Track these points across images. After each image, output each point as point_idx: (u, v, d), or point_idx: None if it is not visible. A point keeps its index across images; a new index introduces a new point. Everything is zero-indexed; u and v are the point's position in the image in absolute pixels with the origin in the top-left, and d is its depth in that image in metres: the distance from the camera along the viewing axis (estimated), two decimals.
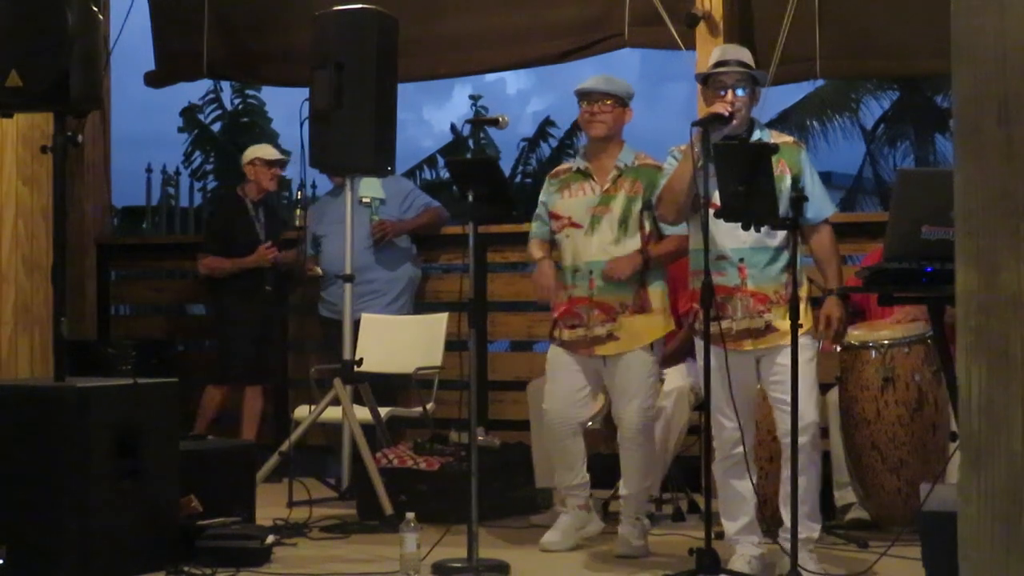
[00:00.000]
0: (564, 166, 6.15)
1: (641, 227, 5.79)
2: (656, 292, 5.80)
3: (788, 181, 5.12)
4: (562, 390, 5.90)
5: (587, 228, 5.81)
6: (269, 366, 8.25)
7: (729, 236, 5.14)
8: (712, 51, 5.57)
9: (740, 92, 5.19)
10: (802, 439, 4.97)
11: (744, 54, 5.37)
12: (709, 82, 5.26)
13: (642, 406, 5.78)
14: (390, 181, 8.05)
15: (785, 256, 5.14)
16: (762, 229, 5.04)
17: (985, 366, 2.24)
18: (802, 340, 5.01)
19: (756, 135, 5.23)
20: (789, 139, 5.43)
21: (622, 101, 5.87)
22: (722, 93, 5.18)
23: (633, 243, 5.77)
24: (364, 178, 7.67)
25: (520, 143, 21.67)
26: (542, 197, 6.02)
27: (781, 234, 5.08)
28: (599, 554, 5.83)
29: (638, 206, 5.79)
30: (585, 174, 5.91)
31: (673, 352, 6.60)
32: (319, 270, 8.03)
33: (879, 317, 6.32)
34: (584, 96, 5.87)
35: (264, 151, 8.37)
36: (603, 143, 5.88)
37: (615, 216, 5.79)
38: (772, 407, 5.29)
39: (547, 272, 5.89)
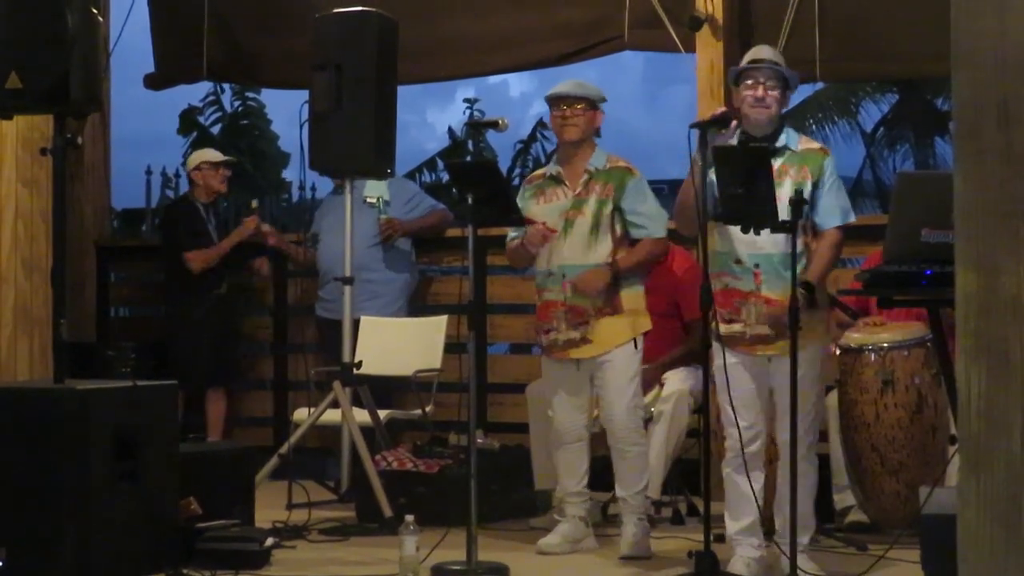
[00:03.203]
0: (539, 172, 6.20)
1: (612, 229, 5.81)
2: (629, 295, 5.82)
3: (808, 187, 5.12)
4: (567, 398, 5.92)
5: (561, 232, 5.83)
6: (228, 368, 8.29)
7: (745, 241, 5.13)
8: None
9: (770, 89, 5.20)
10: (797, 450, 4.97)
11: (777, 56, 5.37)
12: (741, 77, 5.26)
13: (629, 407, 5.80)
14: (395, 183, 8.06)
15: (801, 262, 5.13)
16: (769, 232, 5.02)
17: (985, 369, 2.24)
18: (812, 349, 5.04)
19: (783, 139, 5.23)
20: (816, 145, 5.41)
21: (593, 104, 5.89)
22: (753, 89, 5.17)
23: (605, 246, 5.80)
24: (373, 179, 7.68)
25: (516, 145, 21.68)
26: (519, 203, 6.02)
27: (798, 240, 5.06)
28: (598, 556, 5.83)
29: (609, 208, 5.81)
30: (557, 179, 5.93)
31: (680, 356, 6.62)
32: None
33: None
34: (556, 101, 5.89)
35: (209, 155, 8.48)
36: (575, 147, 5.90)
37: (587, 219, 5.81)
38: (775, 418, 5.29)
39: (532, 229, 5.84)
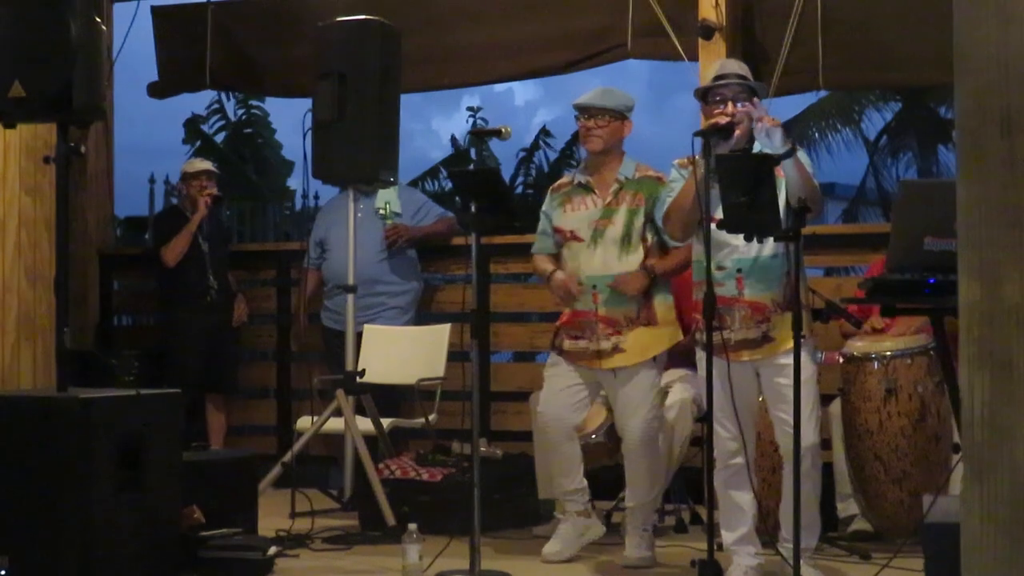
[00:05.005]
0: (565, 179, 6.15)
1: (644, 240, 5.79)
2: (662, 305, 5.81)
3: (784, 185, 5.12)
4: (556, 394, 5.91)
5: (589, 241, 5.82)
6: (224, 375, 8.30)
7: (726, 247, 5.14)
8: (711, 66, 5.57)
9: (739, 105, 5.19)
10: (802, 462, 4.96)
11: (742, 67, 5.37)
12: (708, 97, 5.27)
13: (647, 417, 5.79)
14: (404, 193, 8.08)
15: (781, 263, 5.14)
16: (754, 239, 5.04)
17: (988, 377, 2.24)
18: (802, 355, 5.03)
19: (757, 146, 5.23)
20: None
21: (620, 114, 5.87)
22: (722, 107, 5.18)
23: (636, 256, 5.77)
24: (380, 188, 7.68)
25: (519, 153, 21.67)
26: (544, 210, 6.02)
27: (777, 243, 5.08)
28: (603, 564, 5.83)
29: (640, 219, 5.79)
30: (587, 188, 5.91)
31: (679, 354, 6.63)
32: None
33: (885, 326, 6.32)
34: (582, 110, 5.88)
35: (187, 164, 8.56)
36: (602, 156, 5.89)
37: (618, 230, 5.79)
38: (774, 424, 5.30)
39: (561, 278, 5.86)
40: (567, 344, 5.86)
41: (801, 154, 5.20)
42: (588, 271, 5.80)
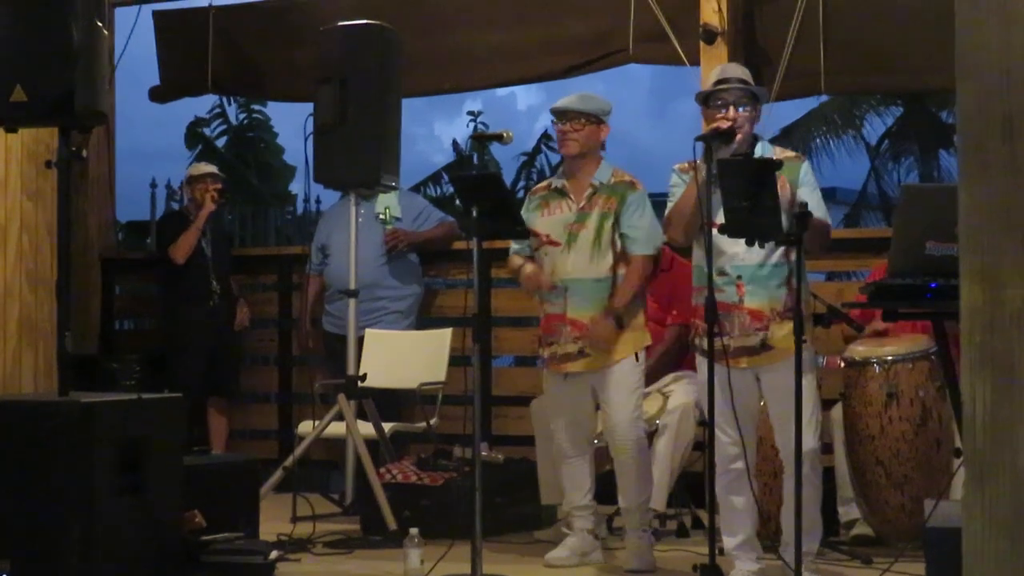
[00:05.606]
0: (543, 184, 6.16)
1: (613, 244, 5.79)
2: (629, 311, 5.79)
3: (788, 196, 5.11)
4: (567, 411, 5.91)
5: (564, 246, 5.82)
6: (226, 379, 8.32)
7: (727, 253, 5.14)
8: (712, 70, 5.58)
9: (741, 109, 5.19)
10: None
11: (743, 72, 5.37)
12: (710, 100, 5.27)
13: (630, 417, 5.78)
14: (405, 197, 8.08)
15: (782, 271, 5.14)
16: (756, 244, 5.03)
17: (990, 382, 2.24)
18: (803, 359, 5.03)
19: (759, 151, 5.23)
20: (791, 154, 5.42)
21: (596, 118, 5.86)
22: (723, 111, 5.18)
23: (607, 260, 5.77)
24: (381, 193, 7.69)
25: (520, 158, 21.71)
26: (523, 215, 6.00)
27: (778, 250, 5.08)
28: (604, 568, 5.82)
29: (610, 222, 5.80)
30: (562, 192, 5.92)
31: (659, 364, 6.61)
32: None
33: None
34: (558, 115, 5.88)
35: (191, 169, 8.62)
36: (578, 160, 5.88)
37: (590, 234, 5.79)
38: (774, 428, 5.30)
39: (531, 269, 5.87)
40: (547, 352, 5.90)
41: (805, 167, 5.21)
42: (561, 274, 5.81)
